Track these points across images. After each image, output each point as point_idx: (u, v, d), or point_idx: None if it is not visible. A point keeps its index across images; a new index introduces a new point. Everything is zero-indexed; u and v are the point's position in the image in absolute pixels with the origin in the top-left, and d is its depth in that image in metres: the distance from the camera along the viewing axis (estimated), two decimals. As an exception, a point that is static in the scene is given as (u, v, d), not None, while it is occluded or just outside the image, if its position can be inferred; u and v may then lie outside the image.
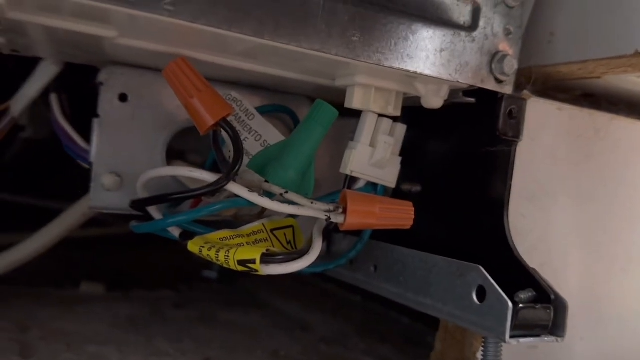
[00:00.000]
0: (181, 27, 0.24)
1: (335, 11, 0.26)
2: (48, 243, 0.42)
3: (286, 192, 0.29)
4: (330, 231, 0.36)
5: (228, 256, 0.26)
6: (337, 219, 0.29)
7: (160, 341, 0.41)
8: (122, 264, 0.64)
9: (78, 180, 0.58)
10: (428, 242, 0.33)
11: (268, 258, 0.26)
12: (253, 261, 0.26)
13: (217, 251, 0.27)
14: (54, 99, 0.38)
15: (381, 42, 0.27)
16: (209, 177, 0.28)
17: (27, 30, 0.29)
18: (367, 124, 0.32)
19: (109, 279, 0.56)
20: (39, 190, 0.59)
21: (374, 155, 0.32)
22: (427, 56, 0.28)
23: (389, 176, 0.33)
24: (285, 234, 0.32)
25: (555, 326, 0.27)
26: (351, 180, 0.33)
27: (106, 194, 0.34)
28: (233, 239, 0.29)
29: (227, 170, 0.28)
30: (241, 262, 0.26)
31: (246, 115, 0.34)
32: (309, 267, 0.28)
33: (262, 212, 0.32)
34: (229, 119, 0.28)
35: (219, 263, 0.27)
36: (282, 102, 0.38)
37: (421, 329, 0.54)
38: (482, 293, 0.27)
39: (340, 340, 0.48)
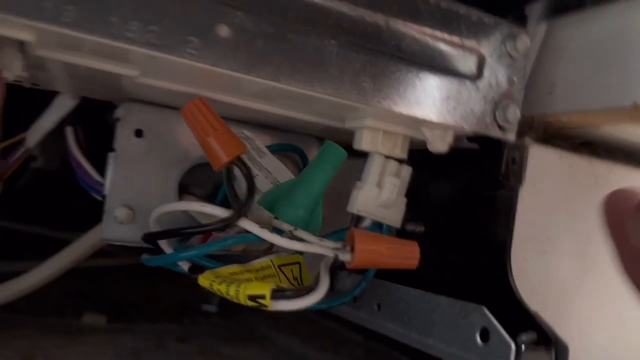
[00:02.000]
0: (201, 70, 0.25)
1: (347, 58, 0.27)
2: (56, 272, 0.43)
3: (295, 229, 0.30)
4: (335, 269, 0.37)
5: (238, 291, 0.27)
6: (344, 257, 0.29)
7: (163, 374, 0.42)
8: (124, 295, 0.65)
9: (86, 212, 0.59)
10: (431, 282, 0.34)
11: (277, 294, 0.27)
12: (263, 297, 0.27)
13: (228, 286, 0.27)
14: (69, 131, 0.39)
15: (390, 88, 0.28)
16: (221, 212, 0.29)
17: (49, 66, 0.30)
18: (375, 166, 0.33)
19: (111, 310, 0.56)
20: (47, 220, 0.59)
21: (381, 195, 0.33)
22: (434, 103, 0.30)
23: (395, 216, 0.34)
24: (292, 270, 0.33)
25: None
26: (358, 219, 0.34)
27: (118, 227, 0.34)
28: (242, 274, 0.30)
29: (240, 206, 0.29)
30: (251, 297, 0.27)
31: (257, 153, 0.35)
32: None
33: (271, 248, 0.33)
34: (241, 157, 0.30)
35: (229, 298, 0.28)
36: (291, 141, 0.39)
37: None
38: (485, 334, 0.28)
39: (341, 378, 0.48)
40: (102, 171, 0.36)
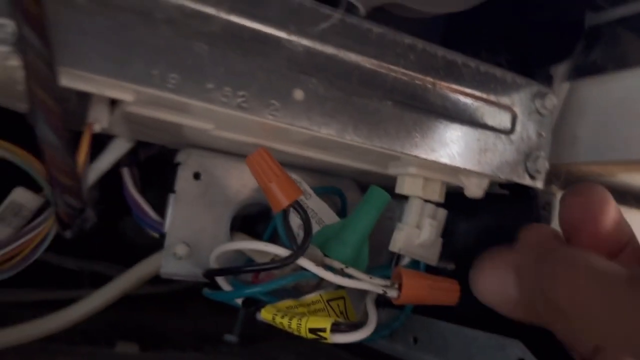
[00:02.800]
0: (272, 126, 0.29)
1: (401, 117, 0.31)
2: (106, 303, 0.45)
3: (346, 267, 0.33)
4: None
5: (300, 324, 0.30)
6: (392, 293, 0.32)
7: (202, 402, 0.44)
8: (151, 324, 0.67)
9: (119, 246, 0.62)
10: (464, 316, 0.36)
11: (335, 327, 0.30)
12: (324, 330, 0.29)
13: (290, 319, 0.30)
14: (126, 173, 0.42)
15: (437, 142, 0.32)
16: (282, 251, 0.32)
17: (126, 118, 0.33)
18: (414, 209, 0.36)
19: (142, 339, 0.58)
20: (82, 254, 0.62)
21: (420, 236, 0.36)
22: (474, 155, 0.33)
23: (431, 255, 0.37)
24: (338, 305, 0.36)
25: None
26: (398, 257, 0.37)
27: (176, 262, 0.37)
28: (297, 308, 0.33)
29: (300, 246, 0.32)
30: (312, 330, 0.30)
31: (304, 196, 0.38)
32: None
33: (320, 284, 0.36)
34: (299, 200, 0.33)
35: (289, 330, 0.31)
36: (330, 183, 0.42)
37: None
38: (522, 365, 0.31)
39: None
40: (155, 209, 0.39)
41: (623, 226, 0.25)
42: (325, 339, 0.30)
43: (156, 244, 0.44)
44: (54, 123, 0.22)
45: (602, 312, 0.20)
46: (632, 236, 0.26)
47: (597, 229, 0.25)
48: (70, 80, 0.24)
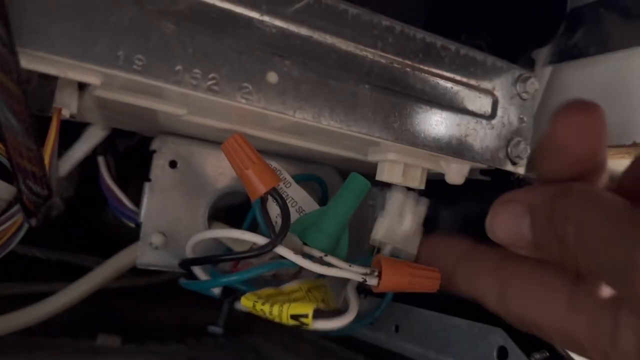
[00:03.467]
0: (246, 110, 0.28)
1: (379, 101, 0.30)
2: (83, 294, 0.44)
3: (325, 255, 0.32)
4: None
5: (282, 310, 0.29)
6: (372, 281, 0.32)
7: (184, 394, 0.43)
8: (132, 316, 0.66)
9: (100, 237, 0.61)
10: (446, 304, 0.36)
11: (317, 313, 0.29)
12: (306, 315, 0.29)
13: (271, 306, 0.30)
14: (101, 161, 0.41)
15: (415, 127, 0.31)
16: (260, 240, 0.31)
17: (95, 103, 0.32)
18: (395, 197, 0.36)
19: (123, 331, 0.57)
20: (62, 245, 0.61)
21: (402, 225, 0.36)
22: (454, 140, 0.32)
23: (413, 244, 0.37)
24: (319, 293, 0.35)
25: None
26: (380, 246, 0.36)
27: (153, 252, 0.36)
28: (277, 296, 0.32)
29: (277, 234, 0.31)
30: (294, 317, 0.29)
31: (284, 184, 0.37)
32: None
33: (299, 272, 0.35)
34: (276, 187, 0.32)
35: (270, 317, 0.30)
36: (311, 171, 0.42)
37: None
38: (503, 353, 0.30)
39: (350, 397, 0.50)
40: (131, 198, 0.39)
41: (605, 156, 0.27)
42: (307, 325, 0.29)
43: (134, 237, 0.43)
44: (14, 106, 0.21)
45: (605, 243, 0.22)
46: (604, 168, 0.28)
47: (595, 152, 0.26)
48: (31, 62, 0.23)
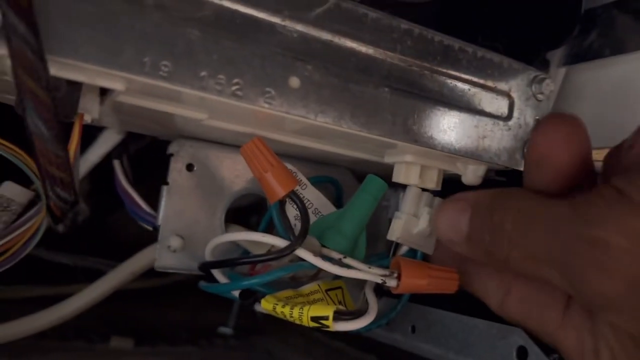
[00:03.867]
0: (267, 115, 0.28)
1: (398, 104, 0.30)
2: (99, 297, 0.44)
3: (345, 257, 0.32)
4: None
5: (302, 313, 0.29)
6: (391, 283, 0.32)
7: (201, 395, 0.43)
8: (144, 318, 0.66)
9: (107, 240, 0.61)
10: (462, 304, 0.36)
11: (337, 315, 0.30)
12: (326, 318, 0.29)
13: (291, 308, 0.30)
14: (117, 165, 0.41)
15: (434, 129, 0.31)
16: (281, 242, 0.31)
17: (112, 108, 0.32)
18: (411, 197, 0.36)
19: (136, 334, 0.57)
20: (71, 249, 0.61)
21: (418, 225, 0.36)
22: (471, 142, 0.33)
23: (429, 244, 0.37)
24: (336, 294, 0.35)
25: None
26: (396, 246, 0.36)
27: (171, 255, 0.37)
28: (296, 298, 0.33)
29: (297, 236, 0.31)
30: (314, 319, 0.29)
31: (299, 185, 0.38)
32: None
33: (317, 274, 0.36)
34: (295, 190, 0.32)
35: (290, 319, 0.30)
36: (325, 172, 0.42)
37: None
38: (523, 353, 0.31)
39: (364, 397, 0.50)
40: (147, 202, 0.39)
41: (592, 167, 0.28)
42: (328, 327, 0.30)
43: (143, 239, 0.43)
44: (43, 114, 0.22)
45: (539, 231, 0.24)
46: (595, 177, 0.28)
47: (565, 163, 0.27)
48: (59, 69, 0.23)
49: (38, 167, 0.23)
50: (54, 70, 0.23)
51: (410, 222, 0.36)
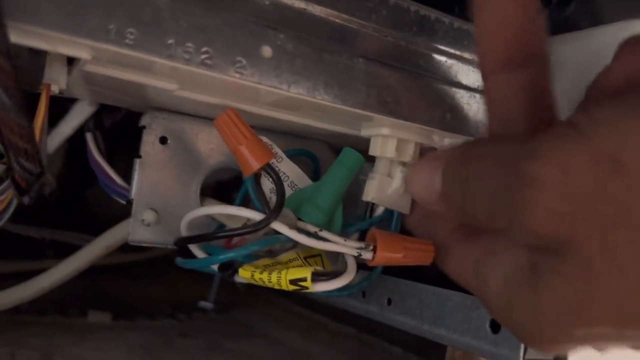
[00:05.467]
0: (239, 85, 0.27)
1: (373, 75, 0.30)
2: (73, 272, 0.44)
3: (320, 230, 0.32)
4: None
5: (280, 277, 0.29)
6: (366, 255, 0.32)
7: (179, 369, 0.44)
8: (121, 293, 0.66)
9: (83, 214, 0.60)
10: (437, 277, 0.36)
11: (316, 277, 0.30)
12: (305, 279, 0.29)
13: (269, 274, 0.30)
14: (90, 138, 0.40)
15: (409, 101, 0.31)
16: (256, 215, 0.31)
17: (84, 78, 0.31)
18: (385, 158, 0.35)
19: (113, 308, 0.57)
20: (48, 223, 0.60)
21: (392, 184, 0.35)
22: (448, 114, 0.32)
23: (404, 203, 0.36)
24: (315, 261, 0.35)
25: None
26: (372, 208, 0.36)
27: (145, 229, 0.36)
28: (275, 265, 0.32)
29: (273, 210, 0.31)
30: (293, 281, 0.29)
31: (275, 159, 0.37)
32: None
33: (294, 247, 0.35)
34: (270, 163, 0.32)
35: (269, 284, 0.30)
36: (302, 146, 0.42)
37: (414, 358, 0.57)
38: (496, 324, 0.31)
39: (343, 369, 0.51)
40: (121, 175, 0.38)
41: (544, 33, 0.26)
42: (307, 288, 0.29)
43: (122, 214, 0.43)
44: (4, 81, 0.21)
45: (494, 176, 0.22)
46: (548, 54, 0.26)
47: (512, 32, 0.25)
48: (20, 36, 0.22)
49: (1, 138, 0.22)
50: (14, 37, 0.22)
51: (384, 182, 0.35)
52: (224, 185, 0.46)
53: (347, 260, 0.33)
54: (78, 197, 0.60)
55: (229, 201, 0.41)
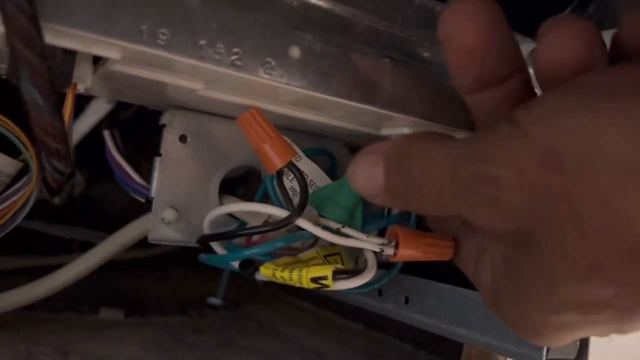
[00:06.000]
0: (265, 85, 0.27)
1: (398, 75, 0.30)
2: (88, 269, 0.44)
3: (343, 227, 0.32)
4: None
5: (301, 275, 0.29)
6: (388, 251, 0.32)
7: (195, 365, 0.44)
8: (132, 290, 0.66)
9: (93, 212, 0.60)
10: (456, 276, 0.36)
11: (336, 275, 0.30)
12: (326, 277, 0.29)
13: (290, 272, 0.30)
14: (107, 135, 0.40)
15: (434, 101, 0.31)
16: (280, 212, 0.31)
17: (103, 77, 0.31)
18: None
19: (125, 305, 0.57)
20: (59, 220, 0.60)
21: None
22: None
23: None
24: (335, 260, 0.36)
25: (580, 354, 0.31)
26: (389, 209, 0.37)
27: (165, 227, 0.36)
28: (295, 263, 0.33)
29: (297, 206, 0.31)
30: (314, 279, 0.29)
31: (294, 157, 0.37)
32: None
33: (315, 243, 0.36)
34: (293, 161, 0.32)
35: (290, 283, 0.30)
36: (320, 145, 0.42)
37: (425, 356, 0.57)
38: (518, 324, 0.31)
39: (356, 366, 0.51)
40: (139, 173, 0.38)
41: (514, 52, 0.26)
42: (328, 286, 0.30)
43: (132, 210, 0.43)
44: (39, 83, 0.21)
45: (441, 175, 0.23)
46: (524, 67, 0.27)
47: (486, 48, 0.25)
48: (54, 37, 0.22)
49: (32, 139, 0.22)
50: (49, 38, 0.22)
51: None
52: (230, 182, 0.46)
53: (368, 257, 0.33)
54: (90, 195, 0.60)
55: (236, 196, 0.41)
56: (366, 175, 0.28)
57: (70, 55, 0.24)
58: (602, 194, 0.19)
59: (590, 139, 0.19)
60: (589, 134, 0.19)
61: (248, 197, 0.42)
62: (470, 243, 0.31)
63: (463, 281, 0.36)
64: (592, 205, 0.19)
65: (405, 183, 0.25)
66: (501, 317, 0.27)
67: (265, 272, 0.31)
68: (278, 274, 0.30)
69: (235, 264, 0.33)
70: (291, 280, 0.30)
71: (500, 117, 0.22)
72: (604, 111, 0.19)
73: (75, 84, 0.28)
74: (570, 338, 0.25)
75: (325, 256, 0.34)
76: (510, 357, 0.31)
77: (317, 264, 0.34)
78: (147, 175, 0.38)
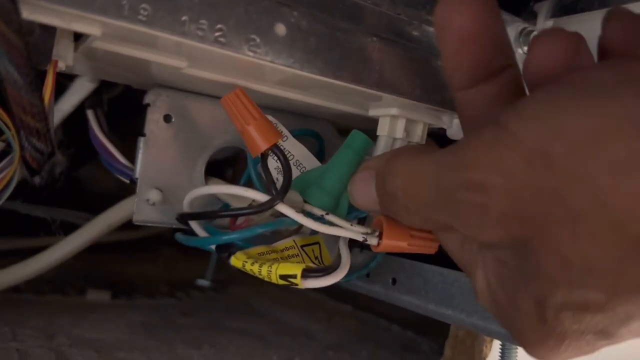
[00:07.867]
0: (250, 63, 0.27)
1: (386, 54, 0.29)
2: (74, 251, 0.44)
3: (327, 214, 0.32)
4: (350, 246, 0.39)
5: (270, 271, 0.29)
6: (372, 241, 0.32)
7: (182, 347, 0.44)
8: (118, 271, 0.66)
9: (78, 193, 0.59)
10: (443, 257, 0.36)
11: (307, 273, 0.29)
12: (294, 276, 0.29)
13: (260, 266, 0.29)
14: (91, 115, 0.40)
15: (422, 82, 0.31)
16: (261, 196, 0.31)
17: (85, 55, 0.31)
18: (383, 146, 0.35)
19: (112, 287, 0.57)
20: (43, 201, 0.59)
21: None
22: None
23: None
24: (313, 250, 0.35)
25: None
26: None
27: (150, 208, 0.36)
28: (269, 254, 0.32)
29: (279, 191, 0.30)
30: (283, 277, 0.29)
31: (281, 138, 0.37)
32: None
33: (298, 230, 0.35)
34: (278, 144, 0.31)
35: (260, 277, 0.30)
36: (307, 125, 0.41)
37: (412, 336, 0.57)
38: (504, 305, 0.31)
39: (343, 347, 0.51)
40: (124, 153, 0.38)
41: (507, 45, 0.26)
42: (297, 284, 0.29)
43: (117, 191, 0.42)
44: (16, 59, 0.20)
45: (426, 189, 0.23)
46: (515, 63, 0.26)
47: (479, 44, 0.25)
48: (32, 12, 0.21)
49: (11, 117, 0.21)
50: (27, 13, 0.21)
51: None
52: (218, 163, 0.46)
53: (342, 253, 0.33)
54: (74, 175, 0.59)
55: (224, 178, 0.41)
56: (362, 193, 0.29)
57: (49, 31, 0.24)
58: (597, 192, 0.18)
59: (585, 136, 0.19)
60: (583, 131, 0.19)
61: (236, 180, 0.42)
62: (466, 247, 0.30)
63: (450, 262, 0.36)
64: (587, 204, 0.19)
65: (392, 201, 0.26)
66: (500, 323, 0.26)
67: (236, 263, 0.30)
68: (248, 266, 0.30)
69: (212, 247, 0.33)
70: (260, 274, 0.30)
71: (488, 118, 0.22)
72: (599, 106, 0.19)
73: (56, 62, 0.27)
74: (565, 353, 0.23)
75: (302, 246, 0.34)
76: (497, 338, 0.31)
77: (293, 255, 0.33)
78: (132, 156, 0.37)
